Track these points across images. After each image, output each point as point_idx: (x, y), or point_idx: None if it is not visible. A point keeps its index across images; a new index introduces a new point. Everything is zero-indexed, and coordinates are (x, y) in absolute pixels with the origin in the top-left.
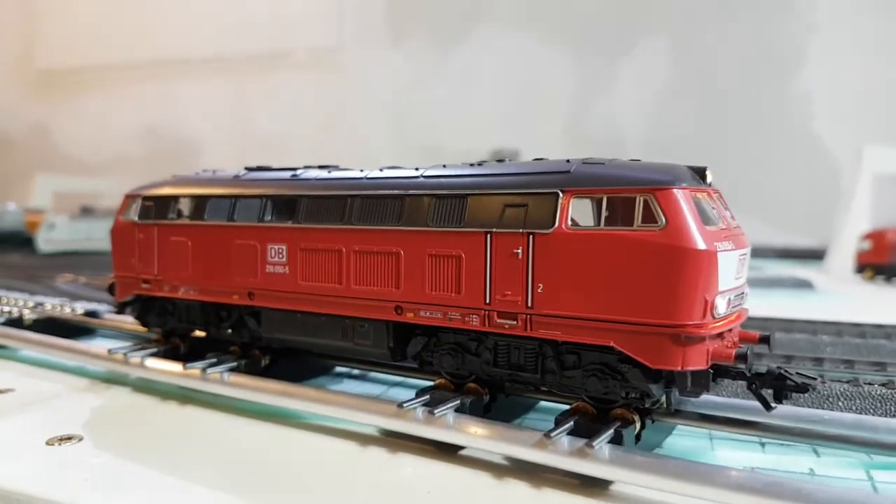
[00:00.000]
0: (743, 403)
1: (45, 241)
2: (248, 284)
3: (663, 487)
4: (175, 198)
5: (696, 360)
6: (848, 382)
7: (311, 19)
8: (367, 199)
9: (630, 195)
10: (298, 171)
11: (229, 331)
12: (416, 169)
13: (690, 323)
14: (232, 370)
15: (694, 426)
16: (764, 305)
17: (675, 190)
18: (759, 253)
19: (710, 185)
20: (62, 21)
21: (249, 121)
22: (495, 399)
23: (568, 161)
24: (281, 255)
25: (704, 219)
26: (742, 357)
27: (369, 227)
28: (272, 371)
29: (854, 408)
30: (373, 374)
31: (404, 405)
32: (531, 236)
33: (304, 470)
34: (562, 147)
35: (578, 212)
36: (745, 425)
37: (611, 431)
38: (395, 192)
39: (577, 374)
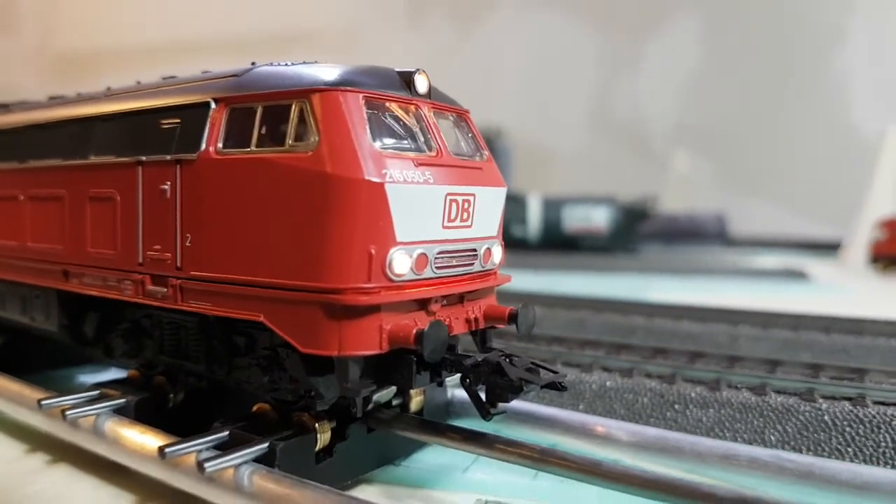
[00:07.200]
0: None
1: None
2: None
3: None
4: None
5: (361, 342)
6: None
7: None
8: (39, 128)
9: (285, 102)
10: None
11: None
12: (108, 88)
13: (348, 287)
14: None
15: (444, 444)
16: (737, 297)
17: (339, 94)
18: (778, 244)
19: (425, 95)
20: (80, 5)
21: None
22: (192, 398)
23: (253, 64)
24: None
25: (387, 137)
26: (420, 338)
27: (39, 163)
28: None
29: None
30: None
31: (42, 403)
32: (179, 165)
33: None
34: (585, 127)
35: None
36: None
37: (254, 448)
38: (64, 115)
39: (246, 361)
